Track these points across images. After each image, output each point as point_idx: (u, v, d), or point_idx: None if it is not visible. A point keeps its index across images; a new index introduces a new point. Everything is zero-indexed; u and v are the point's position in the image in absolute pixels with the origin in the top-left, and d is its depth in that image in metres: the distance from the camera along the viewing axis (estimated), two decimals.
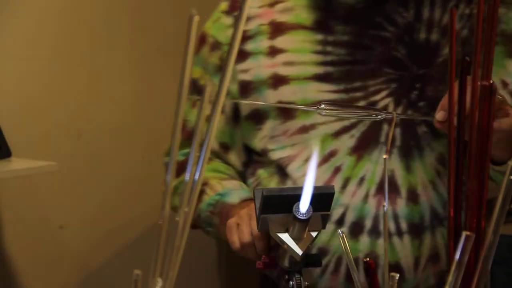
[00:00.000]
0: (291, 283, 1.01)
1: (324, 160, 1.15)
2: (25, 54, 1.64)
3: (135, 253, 1.84)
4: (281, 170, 1.18)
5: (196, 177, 0.44)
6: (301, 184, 1.13)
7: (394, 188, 1.13)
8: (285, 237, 0.96)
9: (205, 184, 1.21)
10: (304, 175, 1.15)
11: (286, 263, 1.02)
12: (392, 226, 1.13)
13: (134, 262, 1.79)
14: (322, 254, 1.12)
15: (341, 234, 0.65)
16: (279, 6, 1.21)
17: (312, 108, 1.04)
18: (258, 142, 1.20)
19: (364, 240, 1.12)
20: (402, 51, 1.16)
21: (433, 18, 1.17)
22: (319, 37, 1.17)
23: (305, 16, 1.19)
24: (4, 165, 1.46)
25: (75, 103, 1.72)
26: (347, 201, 1.13)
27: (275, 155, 1.17)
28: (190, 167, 0.44)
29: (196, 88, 1.25)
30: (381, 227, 1.12)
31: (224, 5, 1.24)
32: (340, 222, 1.13)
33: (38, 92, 1.66)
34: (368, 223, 1.13)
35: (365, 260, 0.54)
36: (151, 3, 1.85)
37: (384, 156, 0.48)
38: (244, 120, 1.21)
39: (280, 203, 0.94)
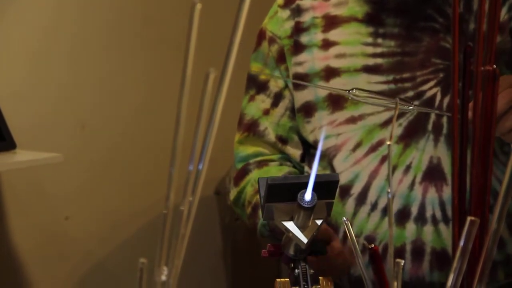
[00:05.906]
0: (297, 271, 1.01)
1: (372, 149, 1.16)
2: (30, 47, 1.64)
3: (141, 243, 1.85)
4: (330, 164, 1.19)
5: (200, 166, 0.45)
6: (347, 178, 1.14)
7: (441, 176, 1.14)
8: (290, 225, 0.96)
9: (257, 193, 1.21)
10: (350, 166, 1.16)
11: (291, 251, 1.02)
12: (438, 213, 1.13)
13: (140, 252, 1.79)
14: (369, 242, 1.13)
15: (345, 221, 0.65)
16: (334, 0, 1.22)
17: (343, 92, 1.04)
18: (309, 135, 1.22)
19: (411, 227, 1.13)
20: (450, 41, 1.16)
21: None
22: (370, 29, 1.19)
23: (357, 9, 1.21)
24: (9, 157, 1.47)
25: (79, 94, 1.72)
26: (394, 188, 1.14)
27: (323, 146, 1.19)
28: (193, 155, 0.44)
29: (255, 83, 1.28)
30: (428, 214, 1.13)
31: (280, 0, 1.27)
32: (386, 210, 1.14)
33: (43, 84, 1.66)
34: (414, 210, 1.13)
35: (370, 246, 0.54)
36: None
37: (388, 142, 0.48)
38: (296, 112, 1.23)
39: (284, 191, 0.94)
